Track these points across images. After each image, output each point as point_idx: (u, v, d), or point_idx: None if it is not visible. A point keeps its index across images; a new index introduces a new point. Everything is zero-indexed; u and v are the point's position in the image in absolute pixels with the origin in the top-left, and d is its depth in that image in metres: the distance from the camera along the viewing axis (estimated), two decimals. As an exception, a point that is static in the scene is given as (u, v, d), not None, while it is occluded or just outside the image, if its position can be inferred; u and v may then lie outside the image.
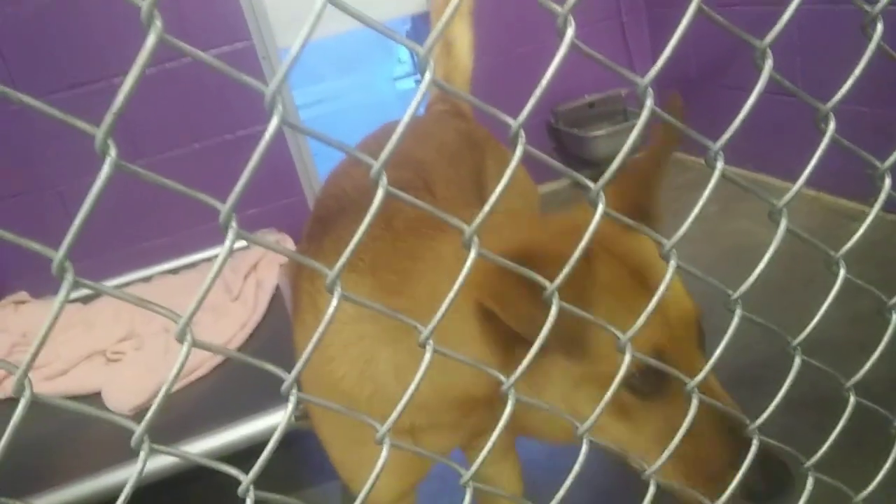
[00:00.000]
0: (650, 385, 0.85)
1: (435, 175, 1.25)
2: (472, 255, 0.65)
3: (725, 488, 0.79)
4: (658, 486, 0.80)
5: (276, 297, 2.47)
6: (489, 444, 0.69)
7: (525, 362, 0.67)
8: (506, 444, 1.32)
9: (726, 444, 0.84)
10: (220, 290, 2.55)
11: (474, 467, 0.69)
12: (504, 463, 1.30)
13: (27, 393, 0.55)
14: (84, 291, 2.80)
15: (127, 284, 2.86)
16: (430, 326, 0.66)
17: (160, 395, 0.59)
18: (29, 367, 0.56)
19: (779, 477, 0.82)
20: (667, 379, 0.82)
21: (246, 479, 0.62)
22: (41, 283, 2.84)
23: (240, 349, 2.21)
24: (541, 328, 0.66)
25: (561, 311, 0.66)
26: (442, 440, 1.08)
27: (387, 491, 1.15)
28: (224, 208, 0.57)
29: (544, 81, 0.64)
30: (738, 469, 0.78)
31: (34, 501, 1.65)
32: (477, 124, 1.84)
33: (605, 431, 0.84)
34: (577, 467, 0.70)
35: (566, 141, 3.69)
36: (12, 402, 0.53)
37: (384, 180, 0.61)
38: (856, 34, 0.74)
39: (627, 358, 0.68)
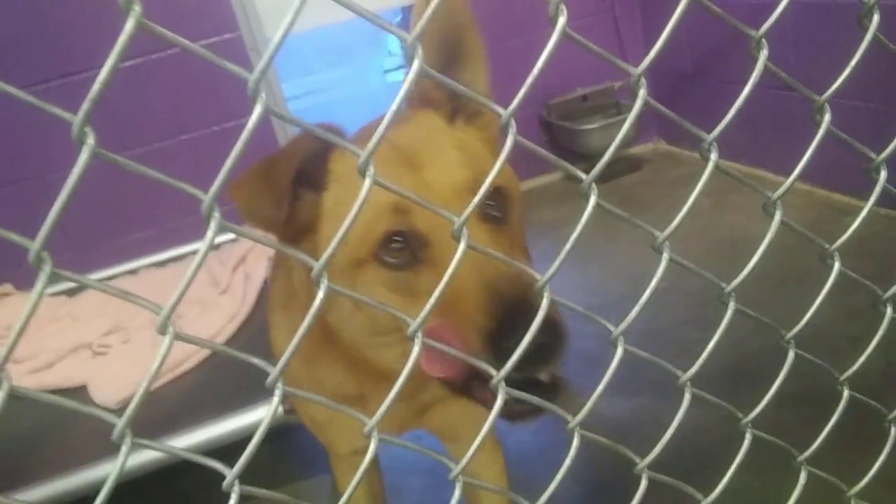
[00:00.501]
0: (402, 255, 0.83)
1: None
2: (462, 245, 0.64)
3: (497, 354, 0.72)
4: (649, 482, 0.79)
5: (265, 290, 2.45)
6: (478, 440, 0.69)
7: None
8: (490, 441, 1.31)
9: (493, 307, 0.75)
10: (207, 282, 2.53)
11: (464, 462, 0.68)
12: (484, 455, 1.29)
13: (6, 386, 0.54)
14: (69, 284, 2.77)
15: (113, 277, 2.83)
16: (418, 320, 0.65)
17: (141, 389, 0.57)
18: (6, 359, 0.55)
19: (552, 335, 0.72)
20: (425, 246, 0.82)
21: (230, 474, 0.60)
22: (26, 275, 2.79)
23: (228, 342, 2.19)
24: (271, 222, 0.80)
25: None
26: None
27: (343, 440, 1.22)
28: (206, 198, 0.56)
29: (535, 69, 0.63)
30: (512, 332, 0.71)
31: (17, 496, 1.63)
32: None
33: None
34: (567, 461, 0.69)
35: (559, 134, 3.68)
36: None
37: (371, 170, 0.60)
38: (850, 30, 0.73)
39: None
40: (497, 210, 0.88)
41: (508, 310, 0.73)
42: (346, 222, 0.56)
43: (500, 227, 0.87)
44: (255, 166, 0.84)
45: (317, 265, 0.59)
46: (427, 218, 0.81)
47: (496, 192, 0.88)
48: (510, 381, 0.67)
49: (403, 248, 0.83)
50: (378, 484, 1.50)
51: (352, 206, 0.54)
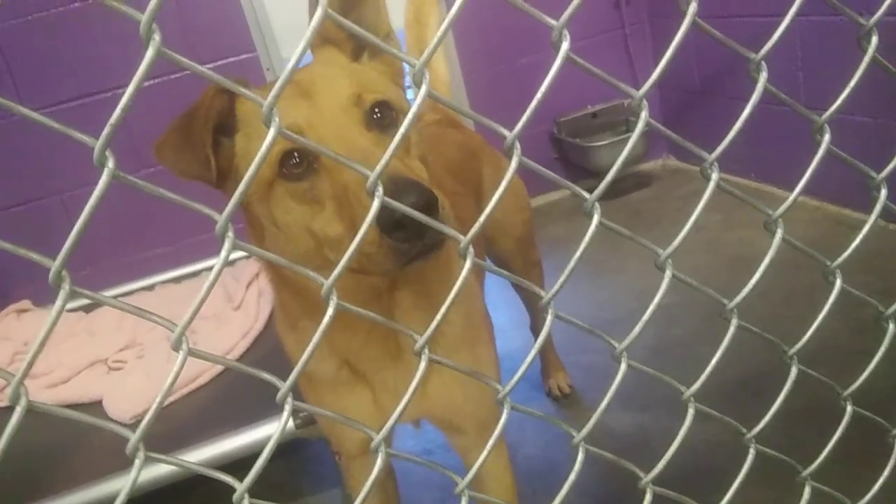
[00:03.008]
0: (300, 168, 0.93)
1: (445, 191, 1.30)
2: (467, 264, 0.66)
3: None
4: (654, 497, 0.80)
5: (278, 306, 2.47)
6: (489, 445, 0.70)
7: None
8: (499, 453, 1.32)
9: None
10: (221, 298, 2.56)
11: (469, 476, 0.69)
12: (495, 467, 1.31)
13: (23, 401, 0.56)
14: (86, 300, 2.81)
15: (129, 293, 2.87)
16: (424, 337, 0.66)
17: (155, 404, 0.59)
18: (24, 376, 0.57)
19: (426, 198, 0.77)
20: (316, 157, 0.92)
21: (240, 487, 0.62)
22: (44, 291, 2.84)
23: (241, 358, 2.21)
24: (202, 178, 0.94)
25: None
26: (371, 364, 1.14)
27: (353, 442, 1.27)
28: (220, 219, 0.58)
29: (539, 94, 0.65)
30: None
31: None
32: (471, 133, 1.87)
33: (310, 227, 0.94)
34: (572, 476, 0.70)
35: (569, 151, 3.70)
36: (12, 409, 0.54)
37: (380, 191, 0.62)
38: (857, 47, 0.74)
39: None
40: (385, 120, 0.98)
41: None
42: (256, 160, 0.56)
43: (389, 135, 0.96)
44: (174, 127, 0.98)
45: (326, 283, 0.61)
46: (314, 133, 0.91)
47: (384, 105, 0.98)
48: (401, 251, 0.82)
49: (300, 163, 0.93)
50: (392, 489, 1.51)
51: (260, 143, 0.56)
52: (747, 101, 0.69)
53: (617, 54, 3.68)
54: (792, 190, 0.74)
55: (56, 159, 2.90)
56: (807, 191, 0.73)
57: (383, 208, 0.63)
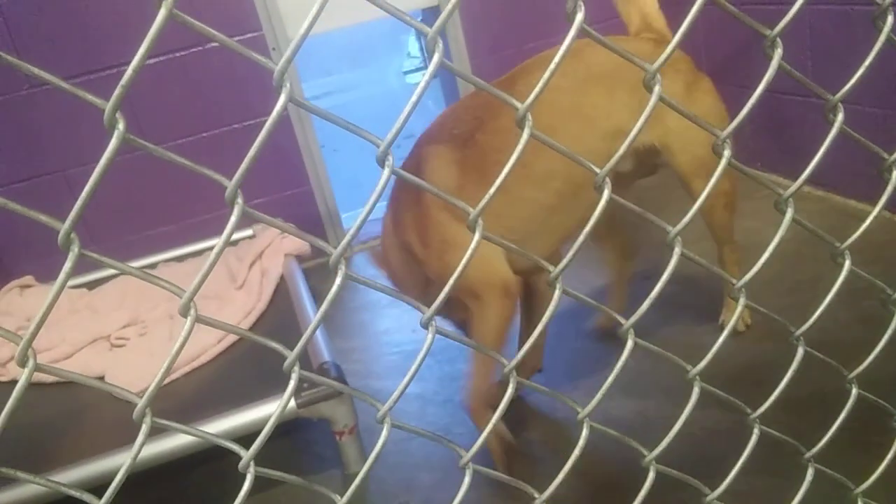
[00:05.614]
0: None
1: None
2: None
3: None
4: (656, 477, 0.80)
5: (281, 286, 2.48)
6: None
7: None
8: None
9: None
10: (224, 277, 2.56)
11: (473, 450, 0.69)
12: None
13: (30, 363, 0.56)
14: (89, 277, 2.81)
15: (132, 271, 2.87)
16: (431, 310, 0.66)
17: (162, 368, 0.59)
18: (33, 337, 0.57)
19: None
20: None
21: (246, 455, 0.62)
22: (47, 267, 2.85)
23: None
24: None
25: None
26: None
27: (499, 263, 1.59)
28: (230, 184, 0.57)
29: (552, 65, 0.64)
30: None
31: (39, 479, 1.66)
32: (680, 52, 1.90)
33: None
34: (577, 451, 0.70)
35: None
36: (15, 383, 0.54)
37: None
38: (866, 36, 0.73)
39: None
40: None
41: None
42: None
43: None
44: None
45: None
46: None
47: None
48: None
49: None
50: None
51: None
52: (755, 89, 0.68)
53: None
54: (796, 179, 0.74)
55: (58, 136, 2.90)
56: (813, 180, 0.73)
57: None
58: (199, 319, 0.60)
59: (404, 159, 1.78)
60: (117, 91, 0.53)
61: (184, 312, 0.59)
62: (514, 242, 0.67)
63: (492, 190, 0.66)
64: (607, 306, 0.76)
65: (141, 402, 0.60)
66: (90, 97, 0.55)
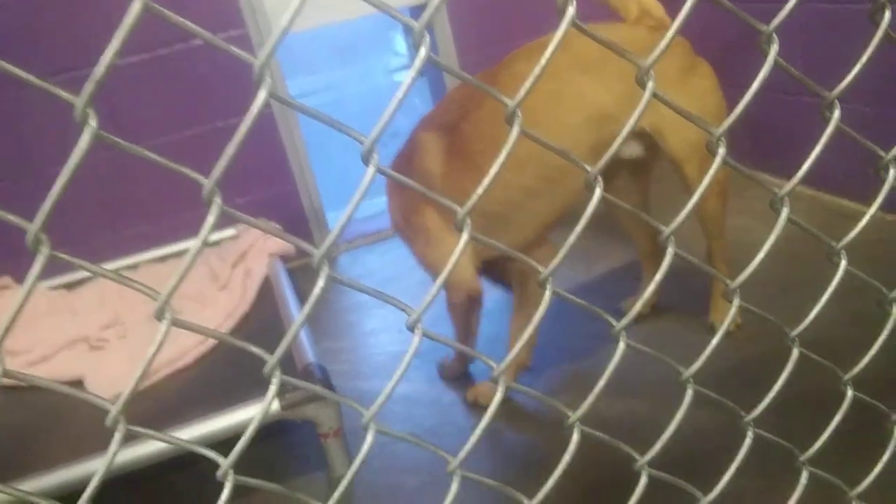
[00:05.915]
0: None
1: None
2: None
3: None
4: (648, 481, 0.78)
5: (265, 287, 2.44)
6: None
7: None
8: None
9: None
10: (206, 278, 2.52)
11: (461, 455, 0.67)
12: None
13: (-1, 369, 0.53)
14: (68, 278, 2.76)
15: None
16: (417, 312, 0.64)
17: (136, 374, 0.56)
18: (2, 338, 0.54)
19: None
20: None
21: (225, 463, 0.60)
22: (25, 268, 2.79)
23: (227, 339, 2.18)
24: None
25: None
26: None
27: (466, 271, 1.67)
28: (208, 182, 0.55)
29: (543, 61, 0.62)
30: None
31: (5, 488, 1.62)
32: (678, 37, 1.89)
33: None
34: (567, 456, 0.68)
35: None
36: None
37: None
38: (860, 36, 0.72)
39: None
40: None
41: None
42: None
43: None
44: None
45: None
46: None
47: None
48: None
49: None
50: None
51: None
52: (749, 87, 0.67)
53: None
54: (787, 178, 0.73)
55: (40, 136, 2.84)
56: (804, 179, 0.72)
57: None
58: (175, 323, 0.57)
59: (402, 144, 1.88)
60: (88, 87, 0.51)
61: (159, 316, 0.56)
62: (492, 225, 0.66)
63: (480, 190, 0.64)
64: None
65: (114, 409, 0.58)
66: (61, 93, 0.53)
